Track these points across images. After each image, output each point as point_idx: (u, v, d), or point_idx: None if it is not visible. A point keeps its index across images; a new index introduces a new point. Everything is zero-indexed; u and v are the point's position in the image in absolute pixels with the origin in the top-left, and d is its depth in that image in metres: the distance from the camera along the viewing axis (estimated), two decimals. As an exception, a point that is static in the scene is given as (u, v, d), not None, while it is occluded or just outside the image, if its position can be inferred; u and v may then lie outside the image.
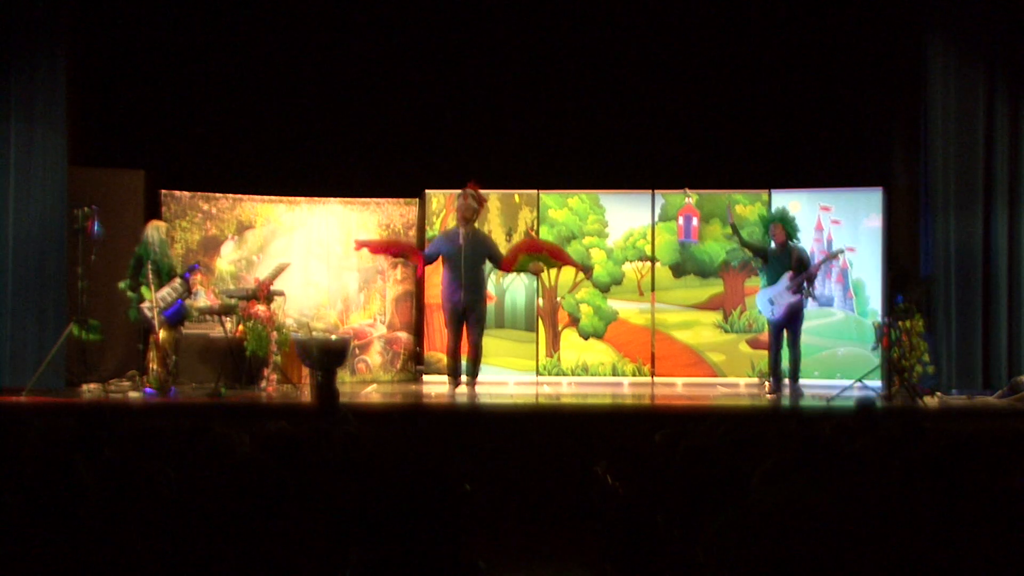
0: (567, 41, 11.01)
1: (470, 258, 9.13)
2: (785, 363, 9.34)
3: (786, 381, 9.31)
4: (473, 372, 9.32)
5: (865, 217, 10.46)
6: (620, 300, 10.68)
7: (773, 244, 9.48)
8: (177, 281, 8.91)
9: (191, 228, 10.36)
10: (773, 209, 9.89)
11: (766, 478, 3.52)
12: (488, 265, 9.53)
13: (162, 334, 8.79)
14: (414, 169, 10.93)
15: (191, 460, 4.10)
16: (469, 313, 9.18)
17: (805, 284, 9.24)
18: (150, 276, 8.71)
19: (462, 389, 9.30)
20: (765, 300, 9.38)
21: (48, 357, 8.91)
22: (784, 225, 9.40)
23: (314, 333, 9.68)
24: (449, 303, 9.24)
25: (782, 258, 9.32)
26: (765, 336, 9.78)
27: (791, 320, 9.28)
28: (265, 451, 4.11)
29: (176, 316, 8.95)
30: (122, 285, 8.92)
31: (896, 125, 10.56)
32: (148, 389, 8.82)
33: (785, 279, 9.23)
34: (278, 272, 9.85)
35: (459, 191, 9.37)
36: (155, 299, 8.73)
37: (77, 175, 9.71)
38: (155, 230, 9.03)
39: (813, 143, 10.87)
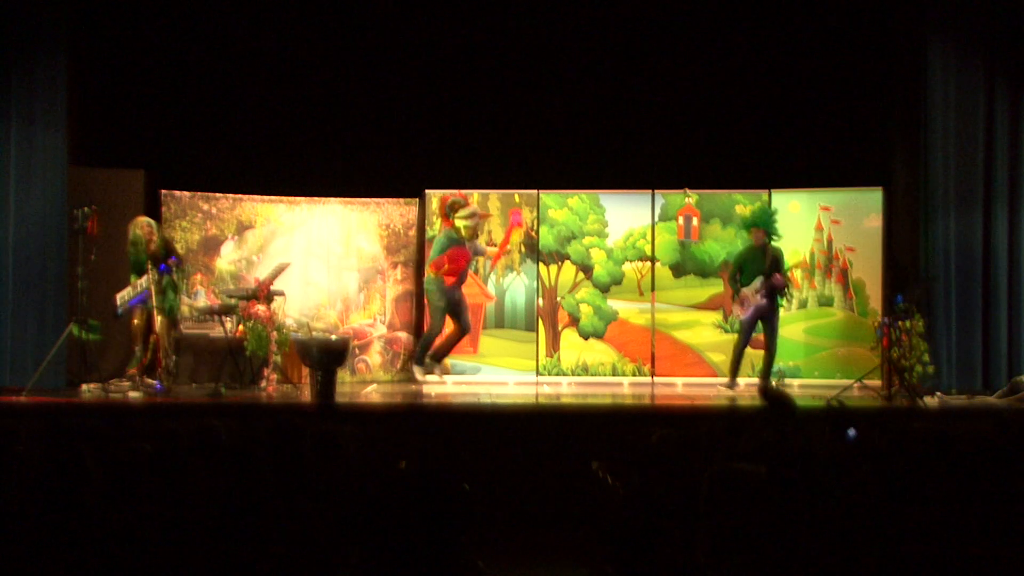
0: (567, 41, 11.01)
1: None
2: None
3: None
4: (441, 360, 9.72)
5: (865, 217, 10.46)
6: (620, 300, 10.68)
7: (750, 243, 9.57)
8: (144, 278, 8.96)
9: (191, 228, 10.36)
10: (754, 211, 9.93)
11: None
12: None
13: (158, 327, 8.97)
14: (414, 169, 10.94)
15: (192, 460, 4.10)
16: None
17: (776, 289, 9.36)
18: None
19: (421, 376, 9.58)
20: (736, 301, 9.51)
21: (48, 357, 8.90)
22: (766, 229, 9.52)
23: (314, 333, 9.69)
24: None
25: (759, 259, 9.43)
26: (763, 336, 9.81)
27: (762, 320, 9.49)
28: (263, 449, 4.11)
29: (141, 303, 9.01)
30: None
31: (896, 125, 10.56)
32: (158, 385, 8.97)
33: (757, 282, 9.34)
34: (278, 272, 9.85)
35: (473, 210, 9.53)
36: (133, 285, 8.98)
37: (77, 175, 9.71)
38: (135, 224, 9.18)
39: (813, 143, 10.86)
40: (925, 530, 3.15)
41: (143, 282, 8.96)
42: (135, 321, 9.08)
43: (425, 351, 9.56)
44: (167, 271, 9.03)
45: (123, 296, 9.03)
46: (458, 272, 9.41)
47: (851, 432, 4.44)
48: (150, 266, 8.96)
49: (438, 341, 9.54)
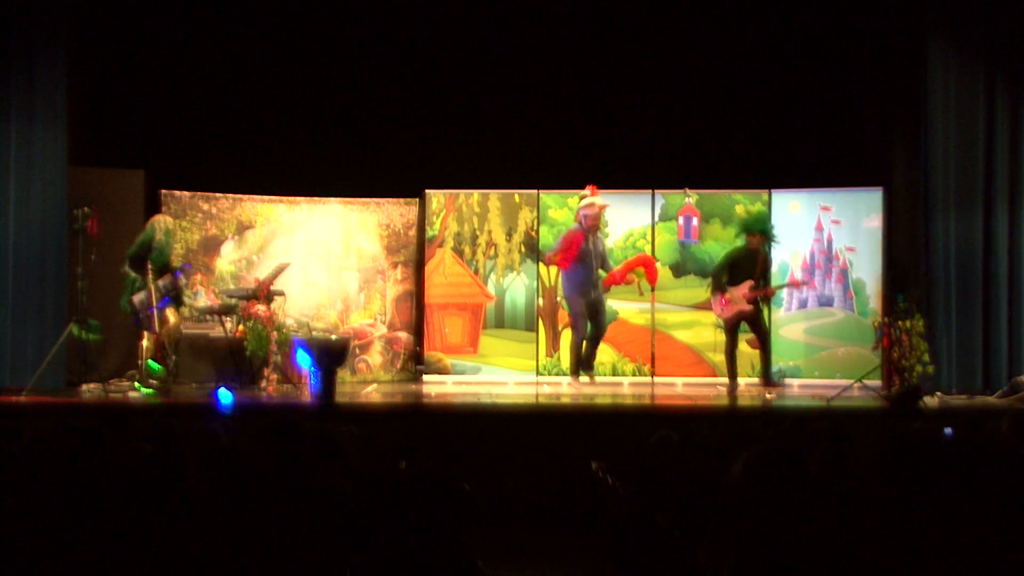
0: (567, 41, 11.02)
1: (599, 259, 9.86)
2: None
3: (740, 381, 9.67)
4: (590, 365, 9.91)
5: (865, 217, 10.46)
6: (620, 300, 10.66)
7: (744, 245, 9.64)
8: (167, 278, 9.06)
9: (191, 228, 10.36)
10: (753, 215, 9.94)
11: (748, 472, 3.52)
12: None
13: (167, 325, 9.00)
14: (414, 169, 10.94)
15: (190, 460, 4.09)
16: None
17: (760, 297, 9.43)
18: (149, 267, 8.94)
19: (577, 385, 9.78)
20: (720, 299, 9.53)
21: (48, 357, 8.90)
22: (764, 235, 9.63)
23: (314, 333, 9.69)
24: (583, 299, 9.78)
25: (751, 263, 9.46)
26: (754, 336, 9.82)
27: (748, 323, 9.59)
28: (263, 450, 4.11)
29: (167, 306, 9.09)
30: (125, 267, 9.05)
31: (896, 125, 10.55)
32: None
33: (745, 287, 9.40)
34: (278, 272, 9.86)
35: (591, 200, 9.79)
36: (154, 288, 8.91)
37: (77, 175, 9.70)
38: (163, 222, 9.23)
39: (813, 143, 10.86)
40: (926, 531, 3.15)
41: (163, 283, 9.01)
42: (172, 320, 9.06)
43: (577, 361, 9.80)
44: (180, 275, 9.21)
45: (142, 300, 8.95)
46: (569, 259, 9.62)
47: (948, 431, 4.32)
48: (170, 267, 9.10)
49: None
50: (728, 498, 3.57)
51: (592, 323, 9.83)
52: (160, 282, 9.00)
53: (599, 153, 11.07)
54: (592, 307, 9.80)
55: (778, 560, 3.15)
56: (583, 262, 9.71)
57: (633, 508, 4.47)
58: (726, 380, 9.87)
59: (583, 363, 9.86)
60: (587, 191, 9.89)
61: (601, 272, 9.90)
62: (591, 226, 9.71)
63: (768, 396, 9.33)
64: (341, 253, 10.79)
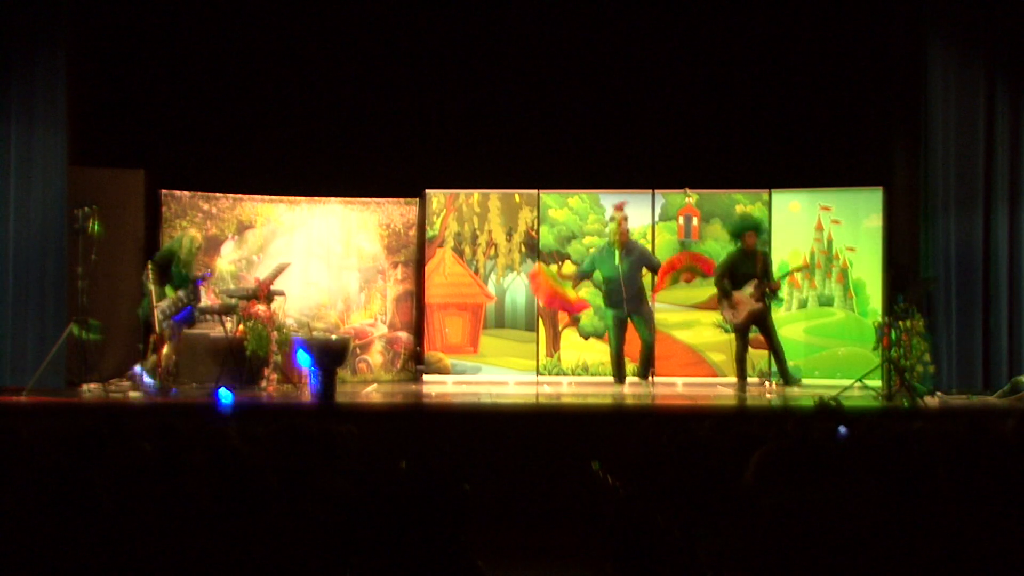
0: (567, 41, 11.01)
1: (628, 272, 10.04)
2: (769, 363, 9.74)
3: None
4: (646, 372, 10.05)
5: (865, 217, 10.46)
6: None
7: (741, 247, 9.65)
8: (189, 287, 9.29)
9: (191, 228, 10.35)
10: (737, 218, 9.99)
11: (760, 473, 3.52)
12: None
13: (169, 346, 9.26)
14: (414, 169, 10.94)
15: (190, 460, 4.09)
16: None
17: (768, 292, 9.47)
18: (152, 277, 9.12)
19: (627, 389, 9.91)
20: (726, 305, 9.54)
21: (48, 357, 8.90)
22: (757, 230, 9.72)
23: (314, 333, 9.69)
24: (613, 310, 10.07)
25: (748, 263, 9.48)
26: (763, 338, 9.82)
27: (757, 324, 9.60)
28: (264, 450, 4.11)
29: (187, 320, 9.36)
30: (147, 274, 9.24)
31: (896, 125, 10.55)
32: (148, 380, 9.01)
33: (749, 287, 9.44)
34: (278, 272, 9.85)
35: (612, 215, 10.20)
36: (176, 299, 9.17)
37: (77, 175, 9.70)
38: (191, 240, 9.47)
39: (813, 143, 10.86)
40: (926, 531, 3.15)
41: (183, 295, 9.22)
42: (155, 336, 9.20)
43: (617, 369, 10.06)
44: (202, 284, 9.50)
45: (165, 309, 9.13)
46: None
47: (842, 430, 4.45)
48: (189, 281, 9.31)
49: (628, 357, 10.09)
50: (732, 498, 3.58)
51: (641, 337, 10.02)
52: (180, 292, 9.22)
53: (599, 153, 11.08)
54: (624, 323, 10.02)
55: (780, 559, 3.15)
56: (605, 283, 10.04)
57: (633, 508, 4.47)
58: (727, 380, 9.85)
59: (639, 372, 10.05)
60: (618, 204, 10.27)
61: (647, 277, 10.13)
62: (618, 241, 9.96)
63: (770, 395, 9.36)
64: (341, 253, 10.79)
